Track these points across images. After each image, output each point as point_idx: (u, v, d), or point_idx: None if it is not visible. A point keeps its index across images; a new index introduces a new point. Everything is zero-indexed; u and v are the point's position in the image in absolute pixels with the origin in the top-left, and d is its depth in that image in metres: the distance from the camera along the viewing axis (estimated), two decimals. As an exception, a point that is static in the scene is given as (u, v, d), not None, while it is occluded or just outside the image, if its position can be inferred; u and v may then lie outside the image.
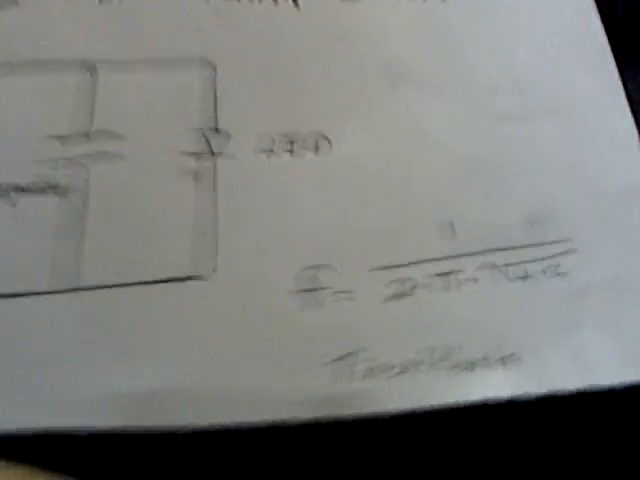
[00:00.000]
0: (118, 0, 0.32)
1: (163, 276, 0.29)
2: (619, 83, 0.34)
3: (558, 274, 0.31)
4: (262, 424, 0.27)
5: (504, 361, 0.29)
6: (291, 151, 0.31)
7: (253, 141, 0.31)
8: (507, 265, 0.31)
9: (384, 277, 0.30)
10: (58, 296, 0.28)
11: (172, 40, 0.32)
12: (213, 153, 0.31)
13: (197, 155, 0.31)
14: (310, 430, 0.28)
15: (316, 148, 0.32)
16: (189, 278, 0.29)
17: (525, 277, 0.30)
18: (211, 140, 0.31)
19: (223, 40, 0.32)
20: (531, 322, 0.30)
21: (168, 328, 0.28)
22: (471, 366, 0.29)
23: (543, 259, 0.31)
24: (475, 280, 0.30)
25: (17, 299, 0.28)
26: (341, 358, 0.29)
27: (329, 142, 0.32)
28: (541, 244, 0.31)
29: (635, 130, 0.33)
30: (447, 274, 0.30)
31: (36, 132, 0.30)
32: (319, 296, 0.29)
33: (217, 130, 0.31)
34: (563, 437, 0.29)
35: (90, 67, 0.31)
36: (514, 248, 0.31)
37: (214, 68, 0.32)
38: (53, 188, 0.30)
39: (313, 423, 0.27)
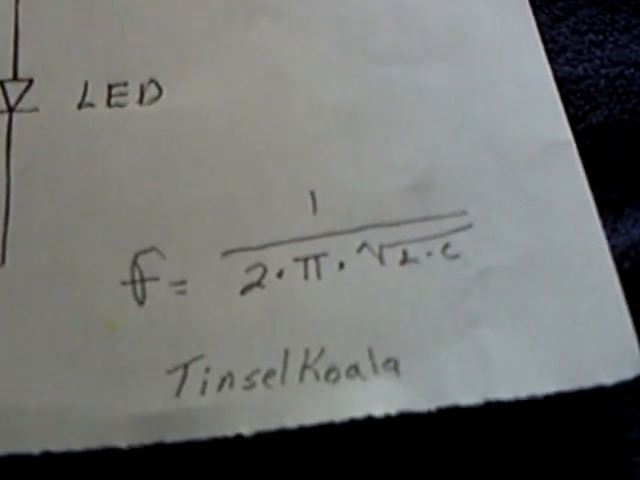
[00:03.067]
0: None
1: None
2: (531, 21, 0.29)
3: (449, 257, 0.25)
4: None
5: (379, 369, 0.23)
6: (108, 102, 0.26)
7: (61, 90, 0.26)
8: (382, 246, 0.25)
9: (226, 264, 0.25)
10: None
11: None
12: (10, 108, 0.26)
13: None
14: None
15: (141, 96, 0.26)
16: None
17: (405, 261, 0.25)
18: (8, 91, 0.26)
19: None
20: (413, 319, 0.24)
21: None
22: (336, 376, 0.23)
23: (429, 238, 0.25)
24: (341, 265, 0.25)
25: None
26: (177, 369, 0.23)
27: (158, 88, 0.26)
28: (427, 219, 0.25)
29: (551, 76, 0.28)
30: (305, 259, 0.25)
31: None
32: (145, 289, 0.24)
33: (16, 78, 0.26)
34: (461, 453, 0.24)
35: None
36: (392, 225, 0.25)
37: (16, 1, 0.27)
38: None
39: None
